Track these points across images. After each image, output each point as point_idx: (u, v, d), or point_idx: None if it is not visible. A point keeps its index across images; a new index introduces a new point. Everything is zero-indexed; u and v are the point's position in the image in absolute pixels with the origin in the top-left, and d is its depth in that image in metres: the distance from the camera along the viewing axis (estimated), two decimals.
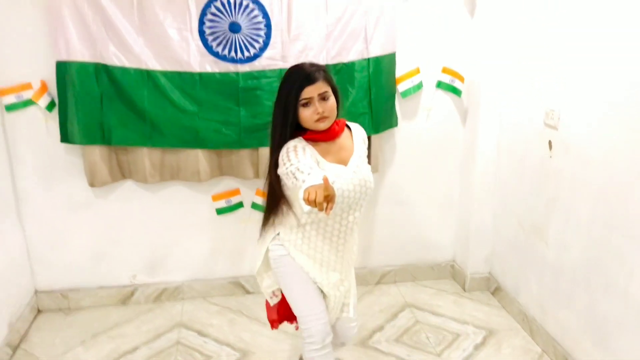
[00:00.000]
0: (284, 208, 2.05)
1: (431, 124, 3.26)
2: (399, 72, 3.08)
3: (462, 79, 3.14)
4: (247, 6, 2.77)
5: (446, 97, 3.22)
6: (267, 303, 2.32)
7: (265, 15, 2.79)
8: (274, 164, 1.97)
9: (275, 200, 2.06)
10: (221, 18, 2.77)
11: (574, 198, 2.47)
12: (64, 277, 3.21)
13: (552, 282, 2.69)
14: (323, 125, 1.93)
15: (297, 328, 2.27)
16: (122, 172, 3.02)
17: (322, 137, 1.97)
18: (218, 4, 2.75)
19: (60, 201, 3.07)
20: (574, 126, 2.45)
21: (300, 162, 1.81)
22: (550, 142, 2.63)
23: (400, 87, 3.10)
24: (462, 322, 3.06)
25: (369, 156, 2.94)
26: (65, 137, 2.85)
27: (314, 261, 2.07)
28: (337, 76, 2.90)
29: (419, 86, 3.13)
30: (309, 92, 1.89)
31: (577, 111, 2.42)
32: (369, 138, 2.90)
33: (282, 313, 2.33)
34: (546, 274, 2.74)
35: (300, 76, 1.91)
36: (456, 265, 3.51)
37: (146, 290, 3.28)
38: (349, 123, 2.14)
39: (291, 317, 2.30)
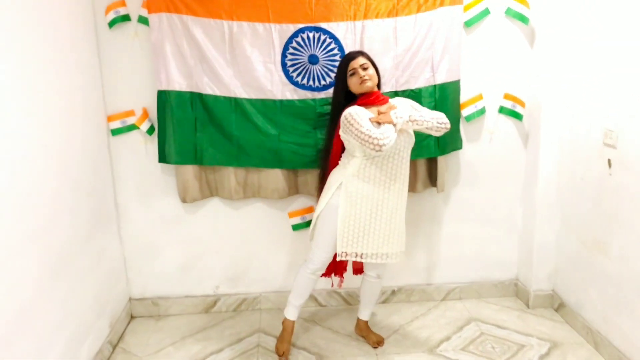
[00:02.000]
0: (345, 160, 2.70)
1: (494, 146, 3.43)
2: (463, 98, 3.29)
3: (523, 104, 3.33)
4: (324, 41, 3.07)
5: (508, 121, 3.40)
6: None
7: (340, 48, 3.08)
8: (334, 126, 2.79)
9: (334, 156, 2.82)
10: (301, 52, 3.08)
11: (635, 212, 2.61)
12: (155, 286, 3.51)
13: (616, 295, 2.80)
14: (366, 87, 2.64)
15: (340, 285, 3.21)
16: (210, 190, 3.32)
17: (369, 101, 2.66)
18: (299, 39, 3.06)
19: (155, 216, 3.38)
20: (632, 145, 2.60)
21: (364, 126, 2.49)
22: (609, 161, 2.78)
23: (465, 112, 3.31)
24: (527, 335, 3.18)
25: (435, 174, 3.21)
26: (162, 158, 3.18)
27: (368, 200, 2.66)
28: None
29: (482, 111, 3.33)
30: (353, 64, 2.68)
31: (635, 130, 2.58)
32: (435, 159, 3.16)
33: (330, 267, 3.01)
34: (609, 287, 2.86)
35: (346, 57, 2.75)
36: (520, 283, 3.63)
37: (227, 300, 3.55)
38: (391, 99, 2.78)
39: (339, 271, 3.14)
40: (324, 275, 3.02)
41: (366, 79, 2.64)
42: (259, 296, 3.56)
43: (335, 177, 2.72)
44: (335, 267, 3.10)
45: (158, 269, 3.48)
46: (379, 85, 2.78)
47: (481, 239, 3.60)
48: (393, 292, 3.63)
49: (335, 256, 2.83)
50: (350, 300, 3.60)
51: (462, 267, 3.64)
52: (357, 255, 2.71)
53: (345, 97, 2.75)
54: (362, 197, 2.65)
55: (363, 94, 2.70)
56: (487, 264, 3.64)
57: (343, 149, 2.76)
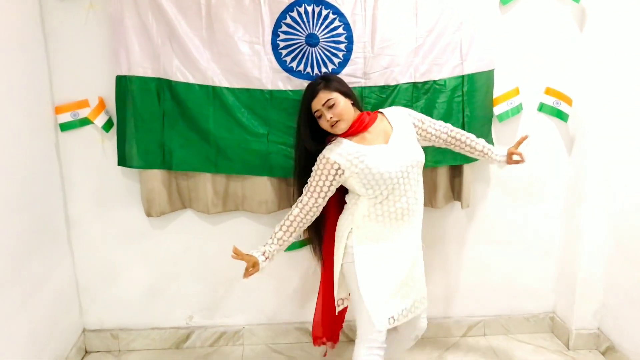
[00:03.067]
0: (352, 201, 2.19)
1: (531, 152, 2.79)
2: (495, 93, 2.71)
3: (569, 102, 2.73)
4: (326, 16, 2.47)
5: (549, 122, 2.81)
6: (315, 318, 2.55)
7: (347, 27, 2.48)
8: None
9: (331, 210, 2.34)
10: (297, 30, 2.48)
11: None
12: (115, 314, 2.92)
13: None
14: (339, 130, 2.12)
15: (325, 355, 2.74)
16: (182, 201, 2.73)
17: (352, 132, 2.14)
18: (294, 14, 2.46)
19: (115, 231, 2.81)
20: None
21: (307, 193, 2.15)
22: None
23: (497, 110, 2.72)
24: None
25: (459, 187, 2.64)
26: (122, 160, 2.60)
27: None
28: (426, 96, 2.55)
29: (518, 109, 2.73)
30: (314, 105, 2.14)
31: None
32: (460, 167, 2.56)
33: (326, 330, 2.57)
34: None
35: (306, 94, 2.19)
36: (557, 317, 3.03)
37: (203, 334, 2.95)
38: (383, 110, 2.26)
39: (334, 338, 2.63)
40: (317, 344, 2.61)
41: (336, 121, 2.10)
42: (242, 329, 2.97)
43: (343, 225, 2.22)
44: (333, 329, 2.64)
45: (119, 295, 2.90)
46: (359, 106, 2.25)
47: (511, 264, 3.01)
48: None
49: (331, 315, 2.51)
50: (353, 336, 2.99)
51: (487, 297, 3.05)
52: (398, 317, 2.17)
53: (319, 138, 2.22)
54: (379, 239, 2.16)
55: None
56: (518, 294, 3.05)
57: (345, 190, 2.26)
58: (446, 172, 2.71)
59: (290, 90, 2.53)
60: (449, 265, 2.98)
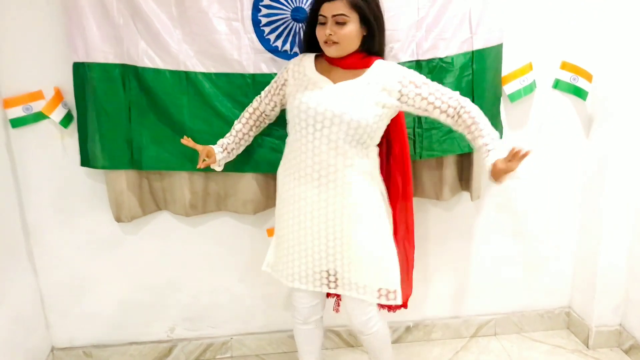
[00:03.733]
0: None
1: (545, 135, 2.56)
2: (506, 69, 2.40)
3: (588, 77, 2.43)
4: None
5: (566, 100, 2.51)
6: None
7: None
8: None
9: None
10: (281, 2, 2.14)
11: None
12: (87, 330, 2.62)
13: None
14: (331, 51, 1.82)
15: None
16: (156, 203, 2.41)
17: (333, 60, 1.87)
18: None
19: (81, 238, 2.48)
20: None
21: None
22: None
23: (508, 89, 2.42)
24: None
25: (467, 176, 2.38)
26: (85, 160, 2.27)
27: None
28: (430, 75, 2.23)
29: (531, 87, 2.44)
30: (325, 9, 1.78)
31: None
32: (469, 155, 2.28)
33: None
34: None
35: None
36: (574, 313, 2.78)
37: (187, 347, 2.66)
38: (382, 61, 1.91)
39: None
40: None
41: (333, 42, 1.80)
42: (230, 340, 2.69)
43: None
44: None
45: (90, 309, 2.59)
46: (370, 50, 1.89)
47: (524, 257, 2.74)
48: (407, 329, 2.76)
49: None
50: (352, 341, 2.73)
51: (498, 293, 2.78)
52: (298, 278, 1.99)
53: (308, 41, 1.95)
54: (287, 183, 1.97)
55: None
56: (531, 289, 2.79)
57: None
58: (453, 160, 2.41)
59: (275, 74, 2.19)
60: (456, 261, 2.70)
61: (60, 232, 2.46)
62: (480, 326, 2.79)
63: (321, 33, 1.81)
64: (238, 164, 2.25)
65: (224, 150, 2.04)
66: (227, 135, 2.09)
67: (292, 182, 1.91)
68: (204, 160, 2.00)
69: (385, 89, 1.83)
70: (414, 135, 2.28)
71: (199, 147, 1.99)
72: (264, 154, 2.27)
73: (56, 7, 2.16)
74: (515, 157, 1.68)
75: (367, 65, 1.86)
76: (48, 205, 2.42)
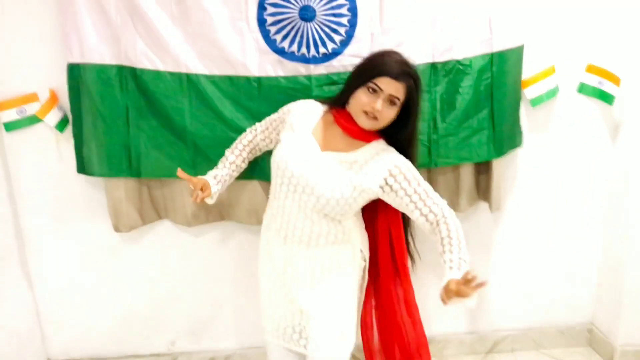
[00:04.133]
0: None
1: (568, 141, 2.42)
2: (527, 72, 2.26)
3: (616, 81, 2.29)
4: None
5: (591, 105, 2.37)
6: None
7: None
8: None
9: None
10: (289, 1, 2.01)
11: None
12: (84, 343, 2.53)
13: None
14: (365, 122, 1.67)
15: None
16: (156, 211, 2.30)
17: (340, 120, 1.74)
18: None
19: (78, 248, 2.39)
20: None
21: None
22: None
23: (529, 93, 2.28)
24: None
25: (486, 185, 2.26)
26: (81, 167, 2.17)
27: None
28: (447, 78, 2.11)
29: (554, 91, 2.30)
30: (385, 84, 1.62)
31: None
32: (488, 163, 2.14)
33: None
34: None
35: (391, 62, 1.65)
36: (597, 330, 2.63)
37: None
38: (382, 143, 1.76)
39: None
40: None
41: (375, 117, 1.66)
42: (233, 354, 2.58)
43: None
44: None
45: (87, 321, 2.49)
46: (390, 135, 1.77)
47: (543, 270, 2.60)
48: None
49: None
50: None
51: (515, 308, 2.64)
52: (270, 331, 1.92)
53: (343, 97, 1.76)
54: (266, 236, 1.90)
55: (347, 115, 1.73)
56: (551, 303, 2.64)
57: None
58: (471, 169, 2.27)
59: (282, 77, 2.08)
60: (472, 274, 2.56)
61: (56, 240, 2.37)
62: (496, 342, 2.65)
63: (366, 102, 1.64)
64: (243, 171, 2.12)
65: (217, 182, 1.91)
66: (220, 166, 1.96)
67: (265, 235, 1.88)
68: (197, 194, 1.84)
69: (370, 174, 1.69)
70: (429, 142, 2.14)
71: (193, 180, 1.83)
72: (269, 160, 2.12)
73: (52, 5, 2.06)
74: (467, 283, 1.44)
75: (368, 140, 1.74)
76: (44, 212, 2.33)
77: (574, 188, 2.48)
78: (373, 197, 1.73)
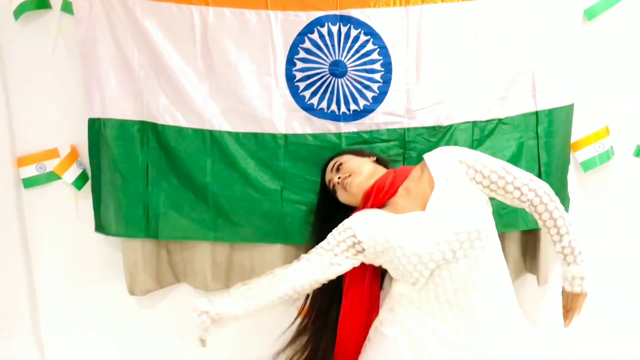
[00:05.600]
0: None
1: (625, 208, 2.25)
2: (578, 134, 2.14)
3: None
4: (356, 38, 1.94)
5: None
6: None
7: (384, 51, 1.95)
8: None
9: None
10: (319, 56, 1.96)
11: None
12: None
13: None
14: (354, 186, 1.70)
15: None
16: (175, 275, 2.22)
17: (377, 201, 1.69)
18: (314, 35, 1.94)
19: (94, 312, 2.31)
20: None
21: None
22: None
23: (580, 156, 2.14)
24: None
25: (533, 255, 2.12)
26: (99, 225, 2.10)
27: None
28: (488, 139, 1.99)
29: (608, 154, 2.15)
30: (328, 177, 1.82)
31: None
32: (535, 232, 2.05)
33: None
34: None
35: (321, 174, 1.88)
36: None
37: None
38: (427, 156, 1.69)
39: None
40: None
41: (345, 178, 1.72)
42: None
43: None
44: None
45: None
46: (384, 163, 1.84)
47: (596, 348, 2.37)
48: None
49: None
50: None
51: None
52: None
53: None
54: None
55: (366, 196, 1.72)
56: None
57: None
58: (517, 237, 2.13)
59: (310, 134, 2.00)
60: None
61: (71, 304, 2.30)
62: None
63: (339, 192, 1.76)
64: (266, 235, 2.05)
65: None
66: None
67: None
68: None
69: (458, 177, 1.62)
70: None
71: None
72: (294, 224, 2.04)
73: (75, 59, 2.07)
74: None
75: (405, 173, 1.74)
76: (59, 273, 2.28)
77: (632, 260, 2.27)
78: (485, 202, 1.62)
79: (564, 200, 2.13)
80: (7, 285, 2.15)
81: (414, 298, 1.60)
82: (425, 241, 1.52)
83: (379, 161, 1.81)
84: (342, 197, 1.75)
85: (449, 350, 1.56)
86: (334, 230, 1.66)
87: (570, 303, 1.60)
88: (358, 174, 1.70)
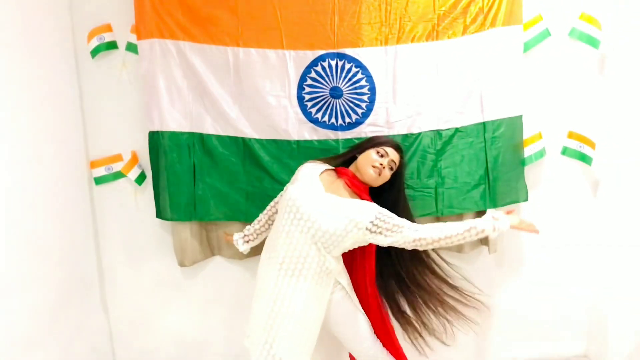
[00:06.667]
0: None
1: (556, 196, 2.86)
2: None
3: (592, 145, 2.74)
4: (349, 70, 2.55)
5: (574, 165, 2.82)
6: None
7: (369, 79, 2.56)
8: None
9: None
10: (321, 84, 2.56)
11: None
12: None
13: None
14: (371, 174, 2.19)
15: None
16: (211, 249, 2.79)
17: (343, 173, 2.25)
18: (318, 68, 2.55)
19: (147, 281, 2.87)
20: None
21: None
22: None
23: None
24: None
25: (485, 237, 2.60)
26: (158, 213, 2.67)
27: None
28: (449, 143, 2.61)
29: (541, 153, 2.75)
30: (390, 152, 2.25)
31: None
32: (485, 212, 2.56)
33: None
34: None
35: (393, 140, 2.34)
36: None
37: None
38: (366, 201, 2.18)
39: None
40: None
41: (379, 172, 2.21)
42: None
43: None
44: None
45: (152, 344, 2.94)
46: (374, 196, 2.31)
47: (540, 307, 2.99)
48: None
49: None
50: None
51: (516, 341, 3.01)
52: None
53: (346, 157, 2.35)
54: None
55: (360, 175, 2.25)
56: (548, 337, 3.01)
57: None
58: (472, 217, 2.70)
59: (315, 140, 2.60)
60: (478, 310, 2.94)
61: (129, 274, 2.85)
62: None
63: (376, 159, 2.20)
64: None
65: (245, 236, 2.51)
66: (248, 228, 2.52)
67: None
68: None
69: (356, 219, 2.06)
70: (436, 194, 2.61)
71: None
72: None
73: (136, 86, 2.64)
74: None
75: (362, 197, 2.22)
76: (120, 251, 2.82)
77: (562, 234, 2.89)
78: (361, 237, 2.06)
79: (520, 189, 2.70)
80: (81, 260, 2.65)
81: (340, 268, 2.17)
82: (300, 193, 2.09)
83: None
84: (367, 164, 2.19)
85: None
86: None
87: (520, 227, 2.13)
88: (379, 180, 2.20)
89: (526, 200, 2.74)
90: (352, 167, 2.28)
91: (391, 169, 2.25)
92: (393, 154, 2.25)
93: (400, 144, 2.36)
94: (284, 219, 2.09)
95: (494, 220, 2.08)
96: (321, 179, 2.20)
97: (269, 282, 2.10)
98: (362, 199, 2.21)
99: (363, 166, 2.21)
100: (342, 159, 2.35)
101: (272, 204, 2.46)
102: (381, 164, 2.19)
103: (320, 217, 2.04)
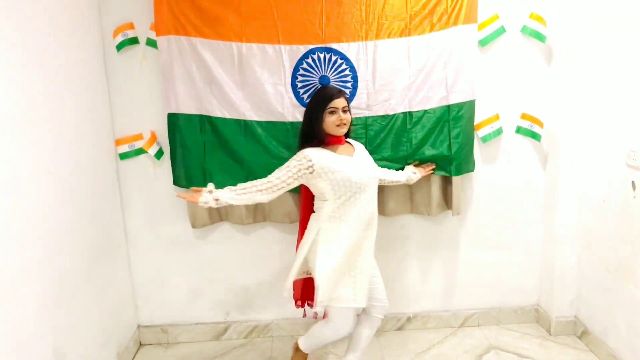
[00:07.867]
0: (318, 204, 2.59)
1: (512, 167, 3.33)
2: (479, 119, 3.20)
3: (541, 124, 3.22)
4: (335, 61, 3.01)
5: (526, 142, 3.30)
6: (296, 284, 2.88)
7: (352, 69, 3.02)
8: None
9: (305, 202, 2.83)
10: (312, 73, 3.01)
11: None
12: (164, 312, 3.43)
13: None
14: (341, 131, 2.52)
15: (315, 316, 2.90)
16: (219, 215, 3.25)
17: (333, 141, 2.54)
18: (309, 60, 3.00)
19: (164, 242, 3.31)
20: None
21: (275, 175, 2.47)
22: (633, 183, 2.67)
23: (481, 133, 3.22)
24: None
25: (449, 196, 3.14)
26: (175, 181, 3.11)
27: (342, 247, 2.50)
28: (420, 122, 3.08)
29: (498, 131, 3.23)
30: (337, 103, 2.50)
31: None
32: (450, 181, 3.06)
33: (304, 294, 2.95)
34: (636, 314, 2.72)
35: (330, 91, 2.56)
36: (541, 309, 3.50)
37: (238, 327, 3.45)
38: (349, 140, 2.70)
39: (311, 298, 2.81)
40: (298, 305, 3.00)
41: (344, 124, 2.53)
42: (271, 323, 3.47)
43: (312, 224, 2.60)
44: (309, 293, 2.93)
45: (167, 296, 3.41)
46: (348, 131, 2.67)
47: (500, 264, 3.49)
48: (408, 319, 3.51)
49: (307, 281, 2.86)
50: None
51: (480, 293, 3.52)
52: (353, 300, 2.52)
53: (315, 133, 2.56)
54: (343, 237, 2.49)
55: (332, 135, 2.55)
56: (507, 289, 3.53)
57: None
58: (439, 185, 3.21)
59: None
60: (445, 265, 3.47)
61: (149, 236, 3.30)
62: (466, 318, 3.53)
63: (334, 118, 2.49)
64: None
65: (210, 192, 2.47)
66: (224, 189, 2.50)
67: (348, 230, 2.54)
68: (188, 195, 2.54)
69: (366, 153, 2.71)
70: (407, 164, 3.10)
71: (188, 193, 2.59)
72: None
73: (154, 74, 3.07)
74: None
75: (343, 142, 2.62)
76: (142, 215, 3.27)
77: (518, 201, 3.39)
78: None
79: (470, 162, 3.18)
80: (108, 224, 3.06)
81: (336, 212, 2.46)
82: (355, 172, 2.44)
83: None
84: (331, 124, 2.49)
85: (349, 239, 2.50)
86: (293, 161, 2.45)
87: (422, 171, 2.97)
88: (347, 126, 2.54)
89: (473, 170, 3.22)
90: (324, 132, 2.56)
91: (345, 111, 2.52)
92: (340, 102, 2.50)
93: (338, 87, 2.81)
94: (360, 198, 2.47)
95: (412, 174, 2.96)
96: (339, 153, 2.54)
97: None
98: (350, 145, 2.65)
99: (331, 130, 2.50)
100: (317, 138, 2.55)
101: (281, 184, 2.49)
102: (340, 119, 2.48)
103: (372, 170, 2.61)
